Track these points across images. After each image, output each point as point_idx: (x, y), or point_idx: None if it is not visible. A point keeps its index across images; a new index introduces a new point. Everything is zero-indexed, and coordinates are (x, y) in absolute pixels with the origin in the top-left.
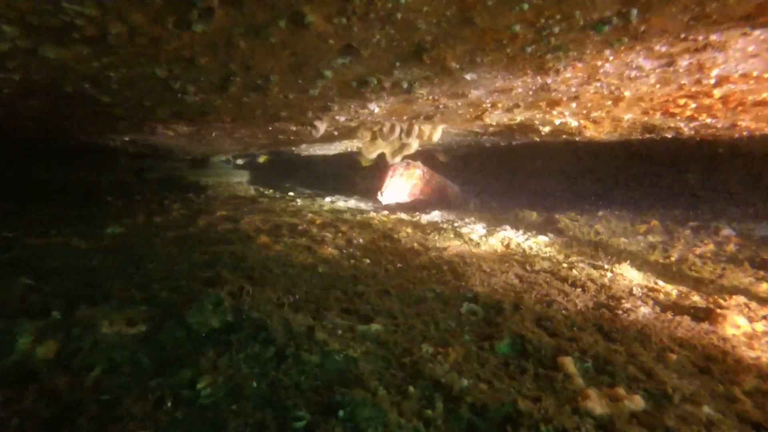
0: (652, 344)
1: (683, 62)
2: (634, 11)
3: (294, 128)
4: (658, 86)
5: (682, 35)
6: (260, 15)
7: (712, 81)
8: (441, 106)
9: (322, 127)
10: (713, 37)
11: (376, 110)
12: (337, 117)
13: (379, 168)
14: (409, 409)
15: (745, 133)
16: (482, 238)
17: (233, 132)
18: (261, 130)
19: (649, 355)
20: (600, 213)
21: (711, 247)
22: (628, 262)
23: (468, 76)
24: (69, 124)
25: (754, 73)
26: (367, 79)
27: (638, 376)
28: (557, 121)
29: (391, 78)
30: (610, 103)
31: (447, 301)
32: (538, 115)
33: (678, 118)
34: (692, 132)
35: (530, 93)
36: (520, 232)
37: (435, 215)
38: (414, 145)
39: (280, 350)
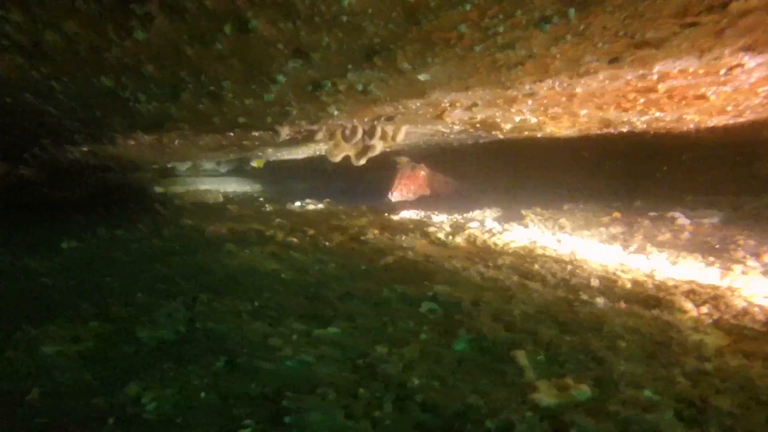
0: (604, 333)
1: (627, 58)
2: (572, 10)
3: (256, 133)
4: (607, 82)
5: (621, 32)
6: (204, 21)
7: (655, 77)
8: (401, 107)
9: (283, 131)
10: (649, 35)
11: (336, 113)
12: (297, 121)
13: (382, 171)
14: (357, 411)
15: (691, 126)
16: (448, 236)
17: (196, 140)
18: (223, 136)
19: (601, 344)
20: (566, 206)
21: (668, 236)
22: (590, 254)
23: (421, 77)
24: (17, 136)
25: (690, 69)
26: (322, 83)
27: (589, 365)
28: (517, 118)
29: (346, 81)
30: (564, 99)
31: (408, 300)
32: (497, 113)
33: (630, 112)
34: (644, 126)
35: (486, 91)
36: (486, 227)
37: (404, 215)
38: (378, 146)
39: (231, 359)
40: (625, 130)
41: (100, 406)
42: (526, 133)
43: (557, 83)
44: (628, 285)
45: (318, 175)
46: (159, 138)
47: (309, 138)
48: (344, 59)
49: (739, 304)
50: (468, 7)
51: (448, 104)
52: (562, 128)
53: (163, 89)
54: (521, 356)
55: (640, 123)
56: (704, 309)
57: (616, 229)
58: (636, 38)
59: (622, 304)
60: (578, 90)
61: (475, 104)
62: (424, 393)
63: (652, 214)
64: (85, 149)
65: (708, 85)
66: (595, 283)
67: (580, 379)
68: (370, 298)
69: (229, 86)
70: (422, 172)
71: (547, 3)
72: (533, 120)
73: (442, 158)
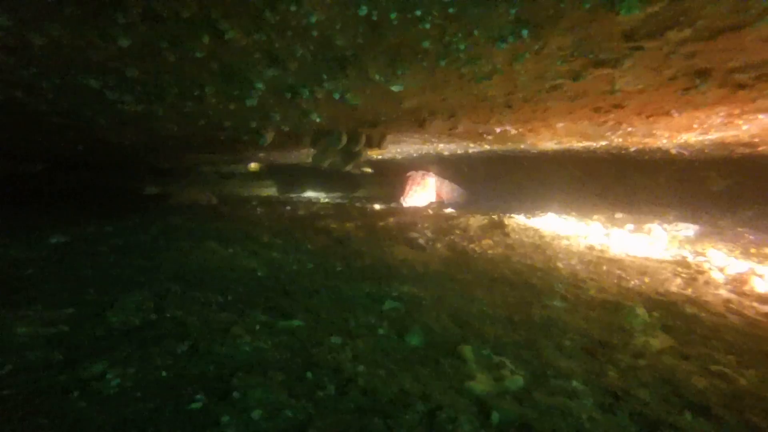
0: (552, 333)
1: (588, 76)
2: (525, 31)
3: (245, 137)
4: (575, 97)
5: (576, 53)
6: (183, 31)
7: (618, 93)
8: (381, 116)
9: (268, 136)
10: (603, 55)
11: (318, 119)
12: (281, 127)
13: (398, 178)
14: (301, 391)
15: (664, 141)
16: (429, 242)
17: (189, 140)
18: (212, 138)
19: (547, 342)
20: (548, 216)
21: (645, 246)
22: (563, 262)
23: (394, 88)
24: (14, 133)
25: (650, 88)
26: (299, 90)
27: (529, 360)
28: (497, 129)
29: (323, 89)
30: (539, 112)
31: (374, 298)
32: (477, 124)
33: (604, 126)
34: (620, 140)
35: (462, 102)
36: (469, 234)
37: (390, 222)
38: (364, 153)
39: (194, 344)
40: (603, 143)
41: (65, 381)
42: (510, 144)
43: (528, 96)
44: (593, 291)
45: (337, 181)
46: (152, 139)
47: (297, 143)
48: (319, 69)
49: (691, 311)
50: (428, 25)
51: (427, 114)
52: (542, 140)
53: (149, 91)
54: (467, 350)
55: (615, 137)
56: (656, 314)
57: (594, 239)
58: (591, 58)
59: (580, 308)
60: (550, 104)
61: (452, 114)
62: (367, 379)
63: (630, 226)
64: (80, 147)
65: (670, 103)
66: (559, 288)
67: (516, 371)
68: (338, 295)
69: (212, 91)
70: (431, 179)
71: (502, 23)
72: (513, 131)
73: (449, 168)
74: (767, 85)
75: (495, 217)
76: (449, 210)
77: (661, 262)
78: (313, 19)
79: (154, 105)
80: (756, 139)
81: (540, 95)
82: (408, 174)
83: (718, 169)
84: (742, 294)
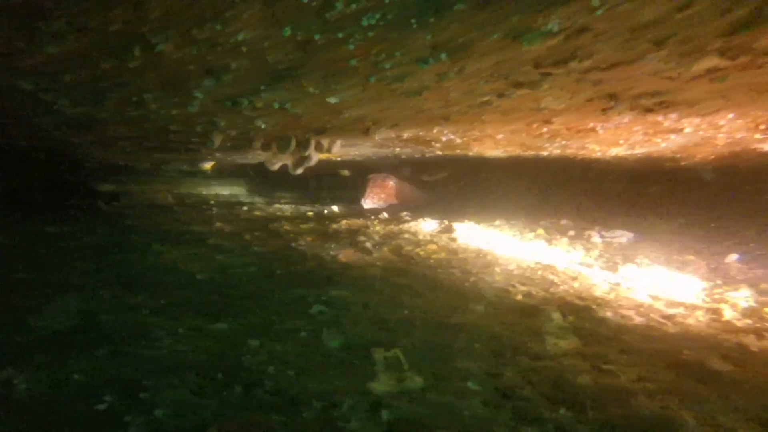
0: (465, 337)
1: (512, 95)
2: (443, 54)
3: (194, 140)
4: (507, 112)
5: (496, 74)
6: (114, 41)
7: (546, 110)
8: (327, 123)
9: (216, 139)
10: (521, 78)
11: (264, 126)
12: (228, 132)
13: (360, 179)
14: (208, 391)
15: (598, 154)
16: (375, 246)
17: (141, 142)
18: (163, 139)
19: (458, 345)
20: (497, 222)
21: (581, 253)
22: (501, 267)
23: (331, 100)
24: None
25: (572, 107)
26: (238, 100)
27: (435, 362)
28: (443, 138)
29: (261, 99)
30: (476, 124)
31: (304, 302)
32: (421, 132)
33: (540, 139)
34: (558, 151)
35: (401, 113)
36: (418, 238)
37: (343, 225)
38: (314, 157)
39: (114, 348)
40: (544, 154)
41: None
42: (458, 151)
43: (463, 110)
44: (519, 297)
45: (303, 182)
46: (100, 138)
47: (248, 147)
48: (255, 81)
49: (604, 314)
50: (352, 46)
51: (370, 123)
52: (487, 149)
53: (86, 96)
54: (378, 353)
55: (553, 148)
56: (571, 318)
57: (537, 245)
58: (510, 80)
59: (501, 313)
60: (485, 117)
61: (395, 124)
62: (275, 380)
63: (571, 232)
64: (23, 142)
65: (593, 120)
66: (487, 293)
67: (419, 373)
68: (270, 299)
69: (151, 97)
70: (391, 182)
71: (421, 47)
72: (458, 140)
73: (410, 172)
74: (669, 111)
75: (446, 221)
76: (404, 213)
77: (592, 267)
78: (241, 37)
79: (93, 108)
80: (678, 155)
81: (473, 109)
82: (369, 176)
83: (652, 179)
84: (655, 298)
